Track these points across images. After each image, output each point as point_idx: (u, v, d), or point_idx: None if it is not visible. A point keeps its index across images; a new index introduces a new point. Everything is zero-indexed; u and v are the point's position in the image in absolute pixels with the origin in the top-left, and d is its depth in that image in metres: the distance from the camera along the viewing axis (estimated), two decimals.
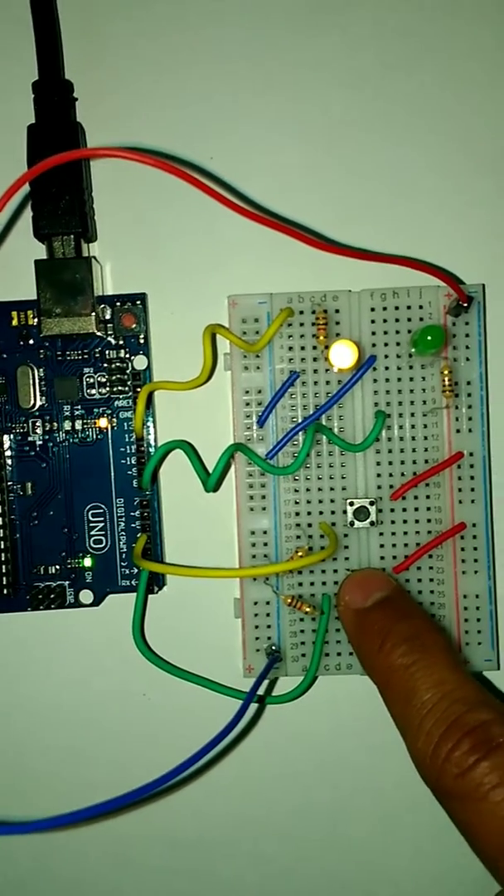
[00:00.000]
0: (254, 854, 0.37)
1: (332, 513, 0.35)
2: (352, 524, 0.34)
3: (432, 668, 0.29)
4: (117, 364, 0.35)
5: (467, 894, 0.36)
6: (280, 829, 0.37)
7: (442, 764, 0.26)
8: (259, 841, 0.37)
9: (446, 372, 0.34)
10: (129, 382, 0.35)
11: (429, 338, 0.33)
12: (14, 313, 0.35)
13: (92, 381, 0.35)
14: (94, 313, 0.34)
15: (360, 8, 0.36)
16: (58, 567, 0.36)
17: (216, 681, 0.35)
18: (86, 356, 0.35)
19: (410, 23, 0.36)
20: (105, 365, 0.35)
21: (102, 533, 0.36)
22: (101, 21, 0.36)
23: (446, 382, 0.34)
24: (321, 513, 0.35)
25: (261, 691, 0.35)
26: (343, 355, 0.33)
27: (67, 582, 0.36)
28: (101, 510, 0.36)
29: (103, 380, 0.35)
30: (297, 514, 0.35)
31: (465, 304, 0.33)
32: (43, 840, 0.36)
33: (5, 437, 0.35)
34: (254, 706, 0.36)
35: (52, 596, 0.35)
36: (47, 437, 0.35)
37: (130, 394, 0.35)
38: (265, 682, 0.35)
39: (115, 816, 0.36)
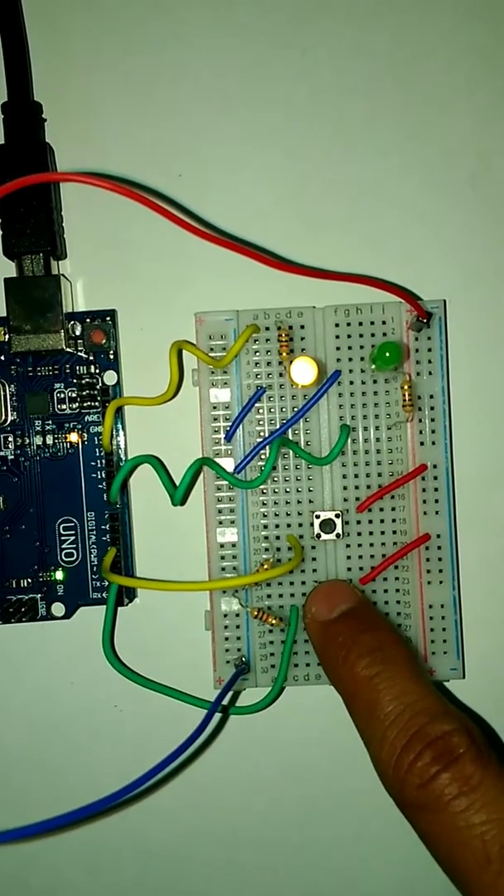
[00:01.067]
0: (224, 860, 0.37)
1: (300, 525, 0.35)
2: (318, 536, 0.35)
3: (395, 680, 0.29)
4: (87, 379, 0.36)
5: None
6: (250, 835, 0.37)
7: (404, 775, 0.27)
8: (229, 847, 0.37)
9: (406, 387, 0.34)
10: (99, 398, 0.36)
11: (386, 354, 0.33)
12: None
13: (62, 396, 0.36)
14: (63, 330, 0.34)
15: (319, 26, 0.36)
16: (30, 580, 0.36)
17: (187, 692, 0.35)
18: (56, 372, 0.36)
19: (370, 40, 0.36)
20: (75, 380, 0.36)
21: (74, 546, 0.36)
22: (70, 42, 0.36)
23: (406, 397, 0.34)
24: (289, 525, 0.35)
25: (231, 702, 0.36)
26: (303, 372, 0.34)
27: (39, 595, 0.36)
28: (73, 524, 0.36)
29: (74, 395, 0.36)
30: (266, 527, 0.35)
31: (425, 320, 0.34)
32: (14, 851, 0.37)
33: None
34: (226, 717, 0.36)
35: (24, 609, 0.36)
36: (19, 451, 0.36)
37: (101, 409, 0.36)
38: (235, 693, 0.36)
39: (86, 825, 0.36)
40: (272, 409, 0.35)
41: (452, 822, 0.25)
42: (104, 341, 0.36)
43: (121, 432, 0.36)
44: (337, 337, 0.35)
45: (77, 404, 0.36)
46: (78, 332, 0.36)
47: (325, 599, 0.33)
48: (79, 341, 0.36)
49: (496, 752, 0.27)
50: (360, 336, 0.35)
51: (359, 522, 0.35)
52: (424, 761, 0.26)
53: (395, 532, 0.35)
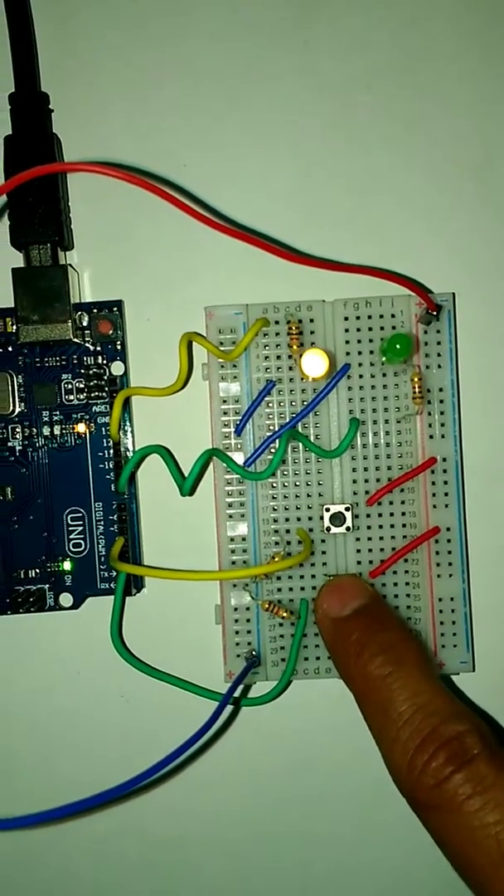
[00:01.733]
0: (230, 852, 0.37)
1: (310, 519, 0.35)
2: (328, 530, 0.35)
3: (408, 680, 0.29)
4: (95, 370, 0.36)
5: (438, 892, 0.37)
6: (256, 827, 0.37)
7: (418, 776, 0.27)
8: (235, 839, 0.37)
9: (416, 379, 0.34)
10: (106, 388, 0.36)
11: (397, 346, 0.33)
12: None
13: (70, 386, 0.36)
14: (70, 320, 0.34)
15: (321, 18, 0.36)
16: (38, 570, 0.36)
17: (195, 683, 0.35)
18: (64, 362, 0.36)
19: (373, 33, 0.36)
20: (83, 371, 0.36)
21: (81, 537, 0.36)
22: (76, 33, 0.36)
23: (416, 390, 0.34)
24: (299, 519, 0.35)
25: (240, 694, 0.36)
26: (314, 364, 0.34)
27: (47, 585, 0.36)
28: (80, 514, 0.36)
29: (81, 386, 0.36)
30: (276, 520, 0.35)
31: (435, 313, 0.34)
32: (21, 841, 0.37)
33: None
34: (233, 709, 0.37)
35: (32, 599, 0.36)
36: (27, 442, 0.36)
37: (108, 399, 0.36)
38: (247, 686, 0.36)
39: (92, 816, 0.36)
40: (282, 403, 0.35)
41: (466, 821, 0.26)
42: (111, 332, 0.35)
43: (128, 423, 0.36)
44: (346, 330, 0.35)
45: (84, 395, 0.36)
46: (85, 323, 0.35)
47: (337, 595, 0.33)
48: (86, 332, 0.35)
49: None
50: (370, 329, 0.35)
51: (368, 516, 0.35)
52: (438, 762, 0.27)
53: (404, 525, 0.35)
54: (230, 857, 0.37)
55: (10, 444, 0.36)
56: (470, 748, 0.27)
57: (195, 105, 0.36)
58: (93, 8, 0.36)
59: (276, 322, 0.34)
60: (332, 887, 0.37)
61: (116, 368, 0.36)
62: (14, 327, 0.35)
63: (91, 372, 0.36)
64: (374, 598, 0.33)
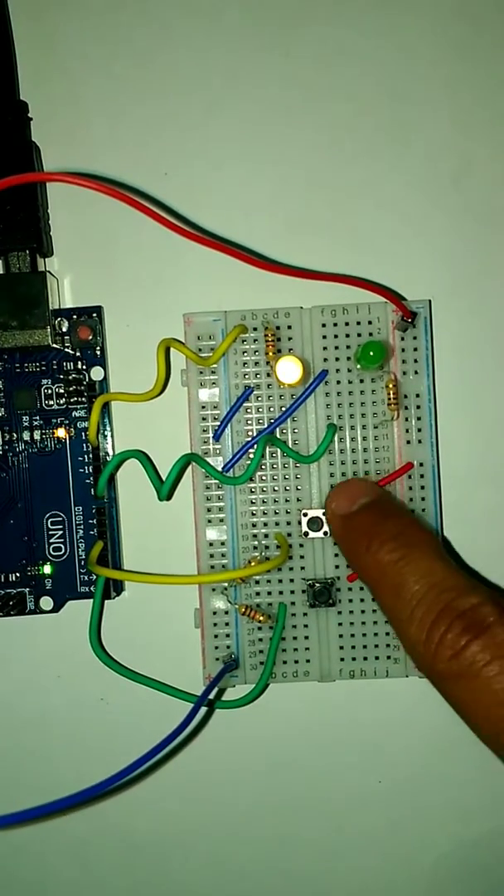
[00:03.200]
0: (207, 851, 0.38)
1: (288, 523, 0.35)
2: (306, 534, 0.35)
3: (420, 562, 0.29)
4: (74, 375, 0.36)
5: (415, 891, 0.37)
6: (234, 827, 0.37)
7: (436, 648, 0.27)
8: (213, 838, 0.38)
9: (391, 386, 0.34)
10: (86, 393, 0.36)
11: (370, 353, 0.33)
12: None
13: (50, 392, 0.36)
14: (49, 326, 0.34)
15: (303, 28, 0.36)
16: (18, 574, 0.36)
17: (174, 686, 0.35)
18: (43, 368, 0.36)
19: (355, 44, 0.36)
20: (62, 376, 0.36)
21: (62, 540, 0.36)
22: (56, 41, 0.36)
23: (392, 396, 0.34)
24: (277, 524, 0.35)
25: (217, 697, 0.36)
26: (288, 371, 0.34)
27: (28, 589, 0.36)
28: (60, 518, 0.36)
29: (61, 391, 0.36)
30: (254, 525, 0.35)
31: (410, 320, 0.34)
32: (2, 842, 0.37)
33: None
34: (212, 712, 0.37)
35: (13, 603, 0.36)
36: (7, 447, 0.36)
37: (87, 404, 0.36)
38: (222, 688, 0.36)
39: (73, 816, 0.37)
40: (260, 409, 0.35)
41: (487, 685, 0.26)
42: (91, 337, 0.36)
43: (108, 428, 0.36)
44: (324, 337, 0.35)
45: (64, 400, 0.36)
46: (65, 329, 0.36)
47: (346, 494, 0.33)
48: (66, 338, 0.36)
49: None
50: (347, 336, 0.35)
51: None
52: (455, 632, 0.27)
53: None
54: (206, 859, 0.38)
55: None
56: (486, 616, 0.27)
57: (175, 113, 0.36)
58: (73, 15, 0.36)
59: (255, 329, 0.35)
60: (308, 890, 0.38)
61: (96, 374, 0.36)
62: None
63: (71, 377, 0.36)
64: (381, 494, 0.33)
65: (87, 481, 0.36)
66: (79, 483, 0.36)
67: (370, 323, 0.35)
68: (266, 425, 0.35)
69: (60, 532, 0.36)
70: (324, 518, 0.35)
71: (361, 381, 0.35)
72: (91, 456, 0.36)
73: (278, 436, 0.35)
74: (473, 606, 0.27)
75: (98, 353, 0.36)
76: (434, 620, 0.27)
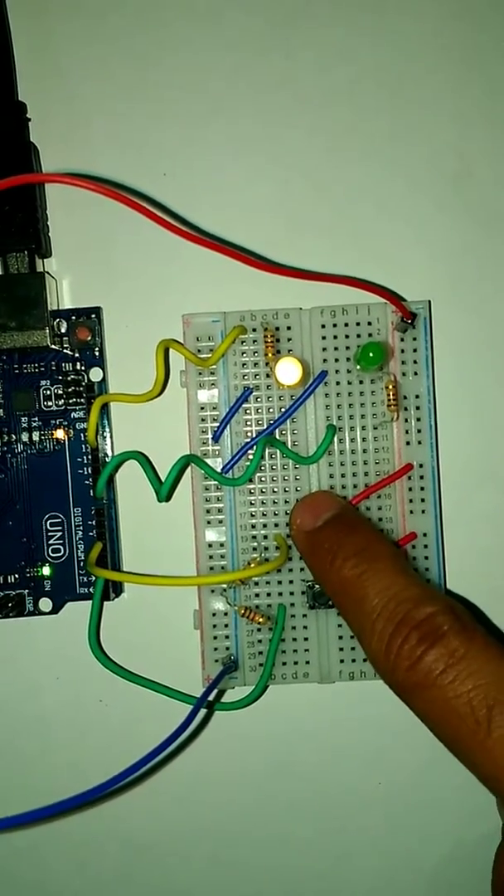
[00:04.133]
0: (207, 854, 0.37)
1: (287, 525, 0.35)
2: None
3: (380, 575, 0.30)
4: (73, 376, 0.36)
5: (415, 892, 0.37)
6: (234, 829, 0.37)
7: (394, 659, 0.28)
8: (213, 841, 0.37)
9: (391, 387, 0.34)
10: (84, 394, 0.36)
11: (370, 354, 0.33)
12: None
13: (49, 393, 0.36)
14: (47, 327, 0.34)
15: (302, 30, 0.36)
16: (17, 576, 0.36)
17: (173, 687, 0.35)
18: (42, 369, 0.36)
19: (354, 46, 0.36)
20: (61, 377, 0.36)
21: (61, 542, 0.36)
22: (54, 42, 0.36)
23: (391, 397, 0.34)
24: (276, 525, 0.35)
25: (217, 698, 0.36)
26: (288, 372, 0.34)
27: (27, 590, 0.36)
28: (59, 519, 0.36)
29: (60, 392, 0.36)
30: (254, 526, 0.35)
31: (410, 321, 0.34)
32: (2, 844, 0.37)
33: None
34: (212, 713, 0.37)
35: (12, 604, 0.36)
36: (6, 448, 0.36)
37: (86, 405, 0.36)
38: (222, 690, 0.36)
39: (72, 818, 0.37)
40: (259, 410, 0.35)
41: (442, 695, 0.26)
42: (90, 338, 0.36)
43: (107, 429, 0.36)
44: (323, 338, 0.35)
45: (63, 401, 0.36)
46: (63, 330, 0.35)
47: (309, 510, 0.33)
48: (64, 338, 0.36)
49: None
50: (346, 337, 0.35)
51: None
52: (411, 643, 0.27)
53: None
54: (206, 860, 0.37)
55: None
56: (441, 625, 0.27)
57: (175, 114, 0.36)
58: (72, 16, 0.36)
59: (254, 329, 0.35)
60: (309, 891, 0.38)
61: (95, 375, 0.36)
62: None
63: (69, 378, 0.36)
64: (344, 508, 0.34)
65: (86, 482, 0.36)
66: (78, 484, 0.36)
67: (370, 324, 0.35)
68: (265, 426, 0.35)
69: (59, 533, 0.36)
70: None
71: (361, 381, 0.35)
72: (90, 457, 0.36)
73: (278, 437, 0.35)
74: (429, 616, 0.28)
75: (97, 353, 0.36)
76: (392, 632, 0.28)
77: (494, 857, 0.28)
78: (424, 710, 0.27)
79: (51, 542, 0.36)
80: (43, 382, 0.36)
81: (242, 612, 0.35)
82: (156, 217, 0.28)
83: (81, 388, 0.36)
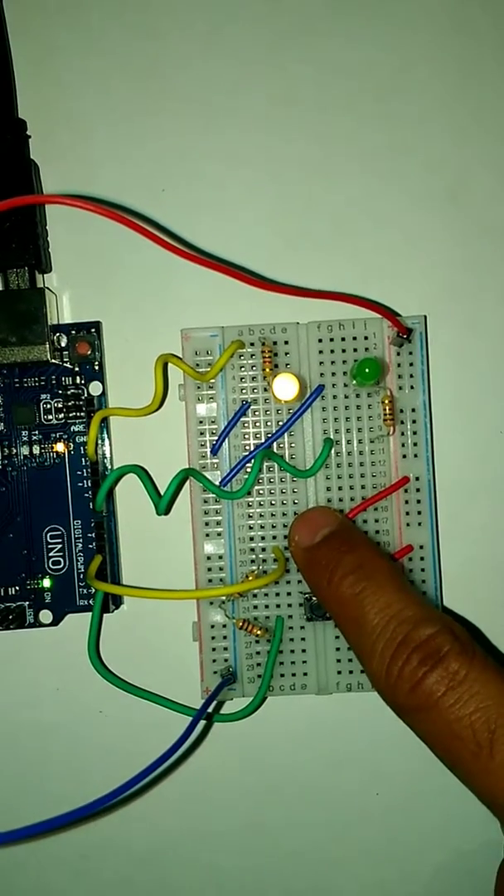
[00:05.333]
0: (207, 865, 0.38)
1: (285, 538, 0.35)
2: None
3: (378, 594, 0.30)
4: (73, 390, 0.36)
5: None
6: (233, 841, 0.38)
7: (395, 681, 0.28)
8: (213, 852, 0.38)
9: (387, 401, 0.35)
10: (84, 408, 0.36)
11: (366, 370, 0.34)
12: None
13: (49, 406, 0.36)
14: (47, 342, 0.35)
15: (300, 44, 0.37)
16: (17, 588, 0.36)
17: (172, 699, 0.35)
18: (42, 383, 0.36)
19: (346, 61, 0.37)
20: (61, 391, 0.36)
21: (61, 554, 0.36)
22: (54, 59, 0.37)
23: (387, 411, 0.35)
24: (274, 537, 0.35)
25: (216, 710, 0.36)
26: (285, 388, 0.34)
27: (27, 602, 0.36)
28: (60, 532, 0.36)
29: (60, 406, 0.36)
30: (252, 538, 0.35)
31: (405, 336, 0.34)
32: (0, 856, 0.37)
33: None
34: (211, 725, 0.37)
35: (12, 616, 0.36)
36: (6, 461, 0.36)
37: (86, 419, 0.36)
38: (221, 701, 0.36)
39: (71, 830, 0.37)
40: (257, 424, 0.35)
41: (444, 717, 0.27)
42: (89, 353, 0.36)
43: (106, 442, 0.36)
44: (320, 352, 0.35)
45: (63, 415, 0.36)
46: (63, 344, 0.36)
47: (307, 526, 0.34)
48: (64, 353, 0.36)
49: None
50: (343, 351, 0.35)
51: None
52: (412, 665, 0.28)
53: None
54: (205, 872, 0.38)
55: None
56: (441, 646, 0.28)
57: (173, 130, 0.37)
58: (72, 33, 0.37)
59: (252, 344, 0.35)
60: None
61: (94, 389, 0.36)
62: None
63: (69, 392, 0.36)
64: (342, 524, 0.34)
65: (86, 495, 0.36)
66: (78, 497, 0.36)
67: (366, 338, 0.35)
68: (263, 440, 0.35)
69: (59, 546, 0.36)
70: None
71: (358, 395, 0.35)
72: (90, 470, 0.36)
73: (275, 450, 0.35)
74: (429, 637, 0.28)
75: (96, 368, 0.36)
76: (392, 654, 0.28)
77: (497, 874, 0.28)
78: (426, 731, 0.27)
79: (51, 554, 0.36)
80: (43, 396, 0.36)
81: (241, 624, 0.35)
82: (153, 237, 0.28)
83: (81, 402, 0.36)
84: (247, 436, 0.35)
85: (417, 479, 0.35)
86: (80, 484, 0.36)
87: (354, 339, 0.35)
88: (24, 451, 0.36)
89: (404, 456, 0.35)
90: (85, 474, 0.36)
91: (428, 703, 0.27)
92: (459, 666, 0.27)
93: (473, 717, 0.26)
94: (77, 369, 0.36)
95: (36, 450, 0.36)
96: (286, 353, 0.35)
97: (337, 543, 0.33)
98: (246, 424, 0.35)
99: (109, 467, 0.36)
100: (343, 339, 0.35)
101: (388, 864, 0.37)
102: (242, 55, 0.37)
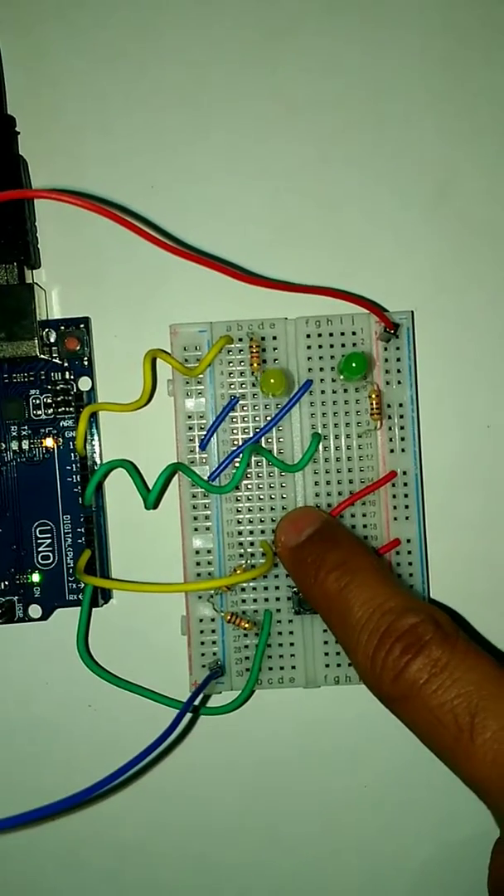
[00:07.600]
0: (195, 855, 0.38)
1: (273, 531, 0.36)
2: None
3: (363, 588, 0.30)
4: (62, 385, 0.36)
5: (406, 891, 0.38)
6: (221, 831, 0.38)
7: (379, 671, 0.28)
8: (200, 843, 0.38)
9: (374, 396, 0.35)
10: (73, 403, 0.36)
11: (353, 365, 0.34)
12: None
13: (38, 402, 0.36)
14: (37, 337, 0.35)
15: (290, 43, 0.37)
16: (7, 582, 0.36)
17: (161, 692, 0.35)
18: (31, 378, 0.36)
19: (342, 59, 0.37)
20: (50, 387, 0.36)
21: (50, 549, 0.36)
22: (43, 55, 0.37)
23: (374, 406, 0.35)
24: (262, 531, 0.36)
25: (203, 703, 0.36)
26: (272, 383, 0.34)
27: (17, 597, 0.37)
28: (49, 527, 0.36)
29: (49, 401, 0.36)
30: (240, 533, 0.36)
31: (393, 331, 0.34)
32: None
33: None
34: (200, 718, 0.37)
35: (2, 611, 0.36)
36: None
37: (75, 414, 0.36)
38: (209, 695, 0.36)
39: (60, 822, 0.37)
40: (246, 418, 0.35)
41: (426, 704, 0.27)
42: (78, 348, 0.36)
43: (95, 437, 0.36)
44: (308, 347, 0.35)
45: (52, 410, 0.36)
46: (52, 340, 0.36)
47: (293, 526, 0.34)
48: (53, 348, 0.36)
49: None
50: (331, 346, 0.35)
51: None
52: (394, 655, 0.28)
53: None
54: (193, 863, 0.38)
55: None
56: (423, 635, 0.28)
57: (163, 126, 0.37)
58: (60, 30, 0.37)
59: (240, 339, 0.35)
60: (296, 892, 0.38)
61: (83, 384, 0.36)
62: None
63: (58, 387, 0.36)
64: (326, 522, 0.34)
65: (75, 490, 0.36)
66: (67, 492, 0.36)
67: (354, 333, 0.35)
68: (251, 434, 0.35)
69: (49, 541, 0.36)
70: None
71: (345, 390, 0.35)
72: (79, 465, 0.36)
73: (264, 445, 0.35)
74: (412, 626, 0.28)
75: (85, 363, 0.36)
76: (376, 645, 0.28)
77: (491, 853, 0.28)
78: (411, 719, 0.28)
79: (40, 549, 0.36)
80: (32, 392, 0.36)
81: (229, 617, 0.35)
82: (142, 232, 0.28)
83: (70, 398, 0.36)
84: (235, 430, 0.35)
85: (405, 473, 0.36)
86: (69, 479, 0.36)
87: (342, 334, 0.35)
88: (14, 446, 0.36)
89: (392, 450, 0.35)
90: (74, 469, 0.36)
91: (411, 690, 0.27)
92: (441, 653, 0.27)
93: (455, 702, 0.26)
94: (66, 365, 0.36)
95: (25, 445, 0.36)
96: (274, 349, 0.35)
97: (321, 541, 0.33)
98: (234, 419, 0.35)
99: (98, 462, 0.36)
100: (331, 335, 0.35)
101: (377, 855, 0.38)
102: (232, 53, 0.37)
